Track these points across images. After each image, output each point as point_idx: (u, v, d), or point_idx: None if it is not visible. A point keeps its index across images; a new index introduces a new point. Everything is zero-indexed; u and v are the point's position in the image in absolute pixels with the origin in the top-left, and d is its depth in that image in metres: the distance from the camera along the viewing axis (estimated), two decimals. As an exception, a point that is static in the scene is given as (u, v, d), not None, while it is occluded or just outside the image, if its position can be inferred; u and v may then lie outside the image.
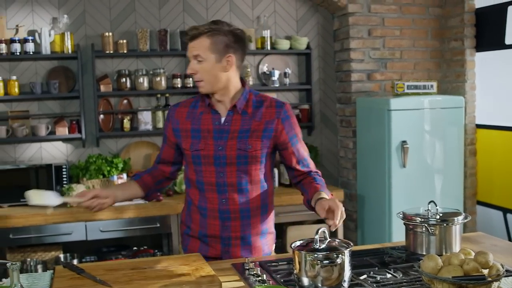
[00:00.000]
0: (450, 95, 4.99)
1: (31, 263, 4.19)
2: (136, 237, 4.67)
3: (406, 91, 4.74)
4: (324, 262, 1.99)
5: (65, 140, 4.77)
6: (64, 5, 4.75)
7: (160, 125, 4.84)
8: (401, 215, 2.53)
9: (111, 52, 4.72)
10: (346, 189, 5.12)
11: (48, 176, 4.40)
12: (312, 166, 2.61)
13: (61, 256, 4.34)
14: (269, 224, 2.63)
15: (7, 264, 1.90)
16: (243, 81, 2.53)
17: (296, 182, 2.63)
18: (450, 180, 4.75)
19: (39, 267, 4.19)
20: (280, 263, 2.40)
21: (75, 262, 4.30)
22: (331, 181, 5.31)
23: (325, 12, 5.32)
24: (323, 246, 2.07)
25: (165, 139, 2.62)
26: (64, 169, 4.43)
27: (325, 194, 2.41)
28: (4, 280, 2.06)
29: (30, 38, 4.56)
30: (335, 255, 2.00)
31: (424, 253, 2.42)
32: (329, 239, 2.11)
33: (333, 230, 2.27)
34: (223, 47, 2.38)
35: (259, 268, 2.25)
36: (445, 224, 2.40)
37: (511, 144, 4.70)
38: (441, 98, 4.78)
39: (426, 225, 2.42)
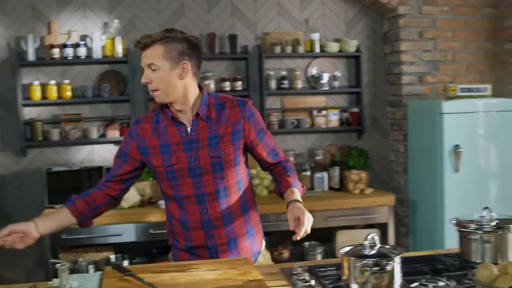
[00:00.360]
0: (505, 98, 4.84)
1: (83, 263, 4.25)
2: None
3: (459, 93, 4.61)
4: (373, 268, 1.95)
5: (116, 142, 4.82)
6: (115, 10, 4.82)
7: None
8: (455, 221, 2.46)
9: (160, 56, 4.75)
10: (397, 194, 5.03)
11: (99, 178, 4.45)
12: (281, 154, 2.59)
13: (112, 257, 4.39)
14: (254, 222, 2.59)
15: (57, 265, 1.92)
16: (200, 87, 2.47)
17: (268, 171, 2.63)
18: (505, 186, 4.60)
19: (91, 267, 4.25)
20: (328, 269, 2.36)
21: (125, 263, 4.35)
22: (381, 185, 5.22)
23: (375, 14, 5.25)
24: (372, 252, 2.03)
25: (123, 156, 2.50)
26: (114, 172, 4.48)
27: (297, 192, 2.45)
28: (54, 280, 2.08)
29: (82, 42, 4.65)
30: (385, 262, 1.96)
31: (478, 261, 2.35)
32: (379, 245, 2.07)
33: (295, 240, 2.30)
34: (177, 54, 2.32)
35: (307, 274, 2.22)
36: (500, 232, 2.32)
37: None
38: (495, 101, 4.64)
39: (480, 232, 2.34)
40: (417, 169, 4.82)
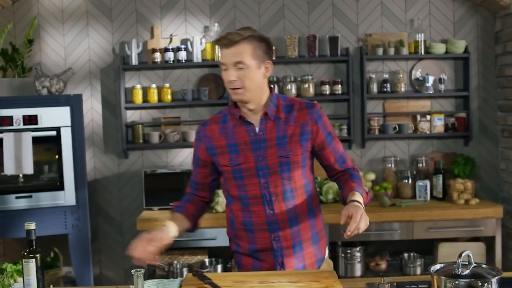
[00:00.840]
0: None
1: (178, 266, 4.29)
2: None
3: None
4: (465, 290, 1.78)
5: (213, 146, 4.85)
6: (216, 14, 4.84)
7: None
8: None
9: (260, 59, 4.72)
10: (507, 205, 4.70)
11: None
12: (349, 161, 2.55)
13: (206, 260, 4.40)
14: (319, 228, 2.54)
15: (132, 271, 1.91)
16: (270, 87, 2.48)
17: (334, 179, 2.58)
18: None
19: (185, 270, 4.28)
20: (420, 286, 2.21)
21: (219, 267, 4.35)
22: (490, 196, 4.90)
23: (486, 13, 4.93)
24: (466, 271, 1.86)
25: (197, 162, 2.52)
26: (211, 175, 4.50)
27: (359, 195, 2.35)
28: (131, 286, 2.06)
29: (182, 46, 4.71)
30: (480, 283, 1.78)
31: None
32: (474, 264, 1.90)
33: (346, 238, 2.21)
34: (262, 53, 2.35)
35: (395, 290, 2.08)
36: None
37: None
38: None
39: None
40: (530, 179, 4.48)
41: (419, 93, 4.84)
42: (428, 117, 4.83)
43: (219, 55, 2.41)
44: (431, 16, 4.93)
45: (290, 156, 2.38)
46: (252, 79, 2.33)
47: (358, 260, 4.44)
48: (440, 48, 4.80)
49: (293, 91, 4.74)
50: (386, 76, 4.85)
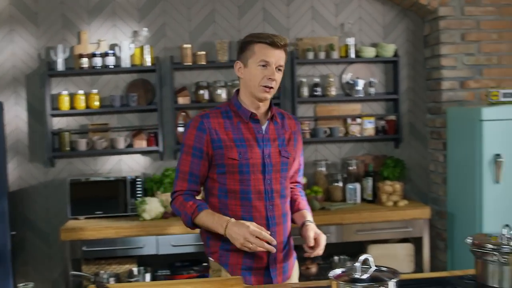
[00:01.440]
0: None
1: (104, 276, 4.18)
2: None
3: (502, 99, 4.30)
4: (361, 294, 1.75)
5: (143, 152, 4.77)
6: (145, 19, 4.76)
7: (239, 137, 4.71)
8: (470, 240, 2.23)
9: (190, 64, 4.67)
10: (436, 206, 4.75)
11: (124, 189, 4.41)
12: (301, 176, 2.78)
13: (135, 269, 4.30)
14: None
15: (19, 285, 1.82)
16: None
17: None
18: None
19: (112, 279, 4.17)
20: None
21: (147, 276, 4.26)
22: (420, 197, 4.95)
23: (415, 17, 4.99)
24: (366, 275, 1.84)
25: (200, 154, 2.46)
26: (138, 182, 4.42)
27: (310, 214, 2.64)
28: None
29: (111, 52, 4.61)
30: (377, 286, 1.76)
31: (496, 286, 2.12)
32: (374, 268, 1.88)
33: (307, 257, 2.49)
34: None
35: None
36: (518, 253, 2.08)
37: None
38: (542, 107, 4.31)
39: (497, 253, 2.10)
40: (456, 180, 4.53)
41: (350, 97, 4.86)
42: (358, 120, 4.85)
43: (263, 52, 2.43)
44: (361, 20, 4.96)
45: (289, 158, 2.56)
46: (279, 83, 2.50)
47: (289, 265, 4.41)
48: (370, 52, 4.83)
49: (224, 95, 4.69)
50: (317, 80, 4.86)
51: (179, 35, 4.79)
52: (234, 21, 4.85)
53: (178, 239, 4.17)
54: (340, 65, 4.95)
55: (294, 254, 2.68)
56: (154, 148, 4.65)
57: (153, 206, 4.23)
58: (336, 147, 4.96)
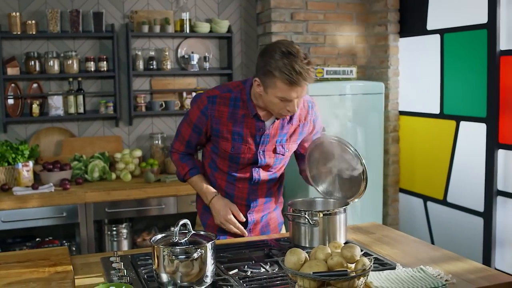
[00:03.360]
0: (373, 81, 4.89)
1: None
2: (46, 228, 4.43)
3: (326, 76, 4.62)
4: (180, 257, 1.85)
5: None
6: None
7: (72, 110, 4.61)
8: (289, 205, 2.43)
9: (19, 33, 4.47)
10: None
11: None
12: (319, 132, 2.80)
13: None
14: (281, 198, 2.82)
15: None
16: None
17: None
18: (371, 168, 4.60)
19: None
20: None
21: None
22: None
23: (248, -5, 5.17)
24: (184, 239, 1.94)
25: (199, 130, 2.54)
26: (-36, 157, 4.20)
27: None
28: None
29: None
30: (194, 249, 1.86)
31: (307, 245, 2.32)
32: (193, 232, 1.99)
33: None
34: None
35: (122, 263, 2.09)
36: (327, 215, 2.29)
37: (432, 131, 4.65)
38: (362, 83, 4.68)
39: (307, 215, 2.31)
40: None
41: (185, 71, 4.94)
42: (194, 94, 4.94)
43: (285, 90, 2.28)
44: (196, -4, 5.03)
45: (286, 154, 2.59)
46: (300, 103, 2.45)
47: (125, 236, 4.46)
48: (204, 27, 4.92)
49: (56, 67, 4.56)
50: (152, 53, 4.87)
51: (7, 2, 4.56)
52: (66, -9, 4.71)
53: (8, 215, 4.00)
54: (176, 40, 5.00)
55: (281, 219, 2.80)
56: (-20, 121, 4.43)
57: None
58: (172, 120, 5.03)
